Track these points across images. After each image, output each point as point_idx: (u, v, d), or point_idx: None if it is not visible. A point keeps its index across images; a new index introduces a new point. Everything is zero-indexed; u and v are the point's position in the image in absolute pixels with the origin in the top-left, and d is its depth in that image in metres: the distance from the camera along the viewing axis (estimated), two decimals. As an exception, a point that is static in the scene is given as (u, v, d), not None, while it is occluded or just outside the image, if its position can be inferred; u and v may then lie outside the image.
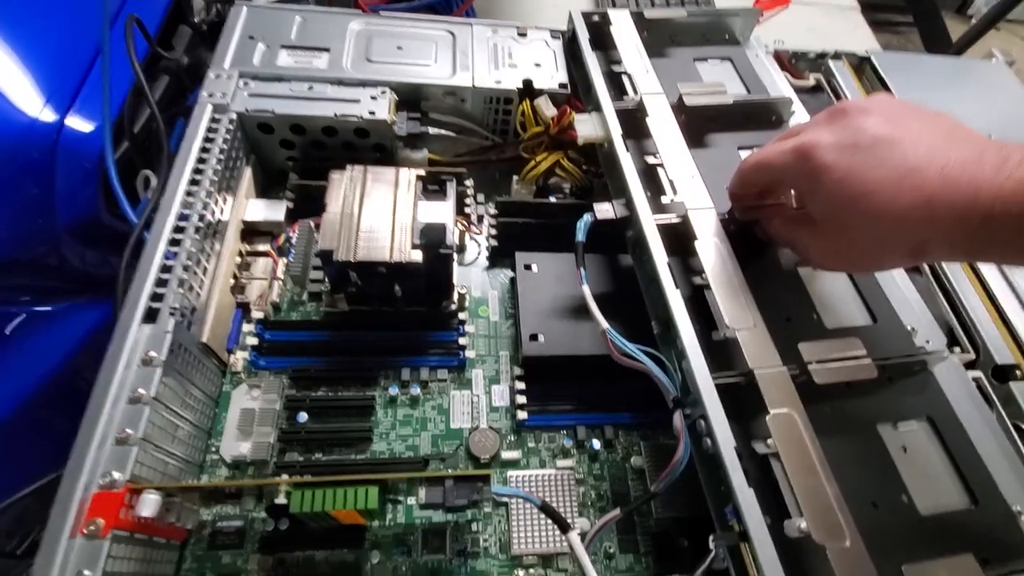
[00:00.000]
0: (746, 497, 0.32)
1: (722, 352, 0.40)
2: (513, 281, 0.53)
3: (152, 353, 0.36)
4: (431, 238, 0.44)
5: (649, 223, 0.43)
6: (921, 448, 0.39)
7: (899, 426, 0.39)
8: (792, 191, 0.40)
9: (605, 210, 0.46)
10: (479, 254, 0.56)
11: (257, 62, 0.52)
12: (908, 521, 0.36)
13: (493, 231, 0.54)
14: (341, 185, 0.45)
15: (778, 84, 0.60)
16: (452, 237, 0.44)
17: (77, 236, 0.59)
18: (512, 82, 0.54)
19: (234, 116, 0.48)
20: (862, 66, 0.65)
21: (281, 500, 0.33)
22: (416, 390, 0.46)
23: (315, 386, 0.46)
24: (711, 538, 0.33)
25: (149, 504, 0.32)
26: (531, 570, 0.41)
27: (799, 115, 0.56)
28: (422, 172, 0.47)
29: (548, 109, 0.52)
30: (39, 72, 0.56)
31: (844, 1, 0.95)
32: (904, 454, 0.38)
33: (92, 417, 0.33)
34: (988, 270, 0.50)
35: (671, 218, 0.44)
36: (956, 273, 0.49)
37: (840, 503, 0.32)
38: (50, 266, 0.60)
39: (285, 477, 0.35)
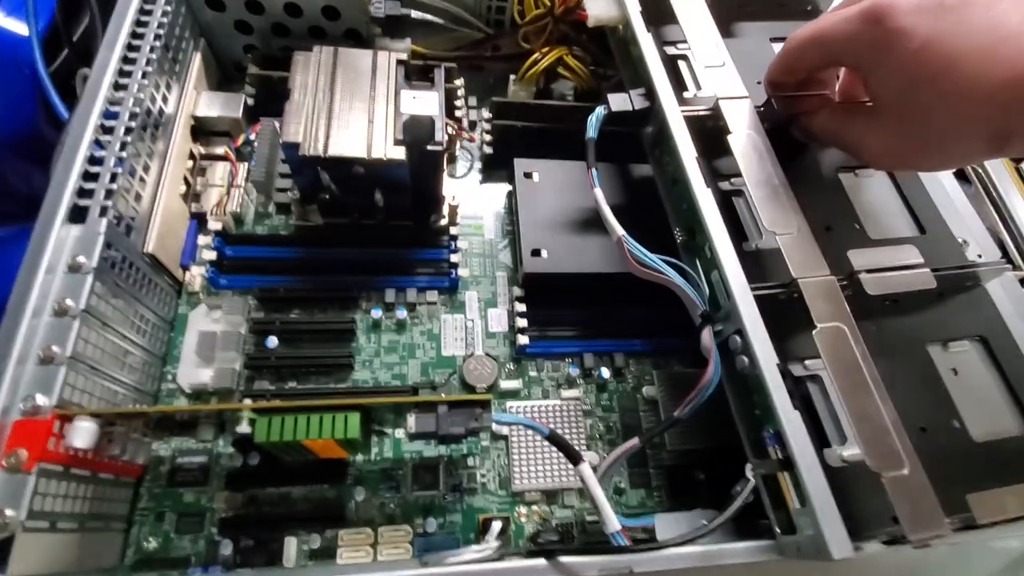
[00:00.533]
0: (791, 419, 0.27)
1: (757, 262, 0.35)
2: (511, 194, 0.47)
3: (80, 258, 0.30)
4: (416, 133, 0.37)
5: (675, 113, 0.37)
6: (973, 370, 0.35)
7: (949, 346, 0.35)
8: (844, 72, 0.34)
9: (621, 101, 0.39)
10: (471, 165, 0.50)
11: (202, -78, 0.43)
12: (961, 447, 0.32)
13: (488, 137, 0.47)
14: (308, 68, 0.38)
15: None
16: (441, 133, 0.37)
17: (17, 151, 0.52)
18: (513, -44, 0.46)
19: (176, -12, 0.40)
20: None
21: (244, 429, 0.28)
22: (403, 313, 0.41)
23: (286, 308, 0.40)
24: (747, 467, 0.29)
25: (82, 433, 0.27)
26: (534, 507, 0.37)
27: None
28: (403, 56, 0.40)
29: None
30: None
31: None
32: (955, 376, 0.34)
33: (8, 331, 0.27)
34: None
35: (699, 109, 0.38)
36: (1005, 184, 0.44)
37: (897, 427, 0.28)
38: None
39: (248, 402, 0.30)
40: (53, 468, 0.27)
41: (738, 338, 0.30)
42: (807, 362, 0.32)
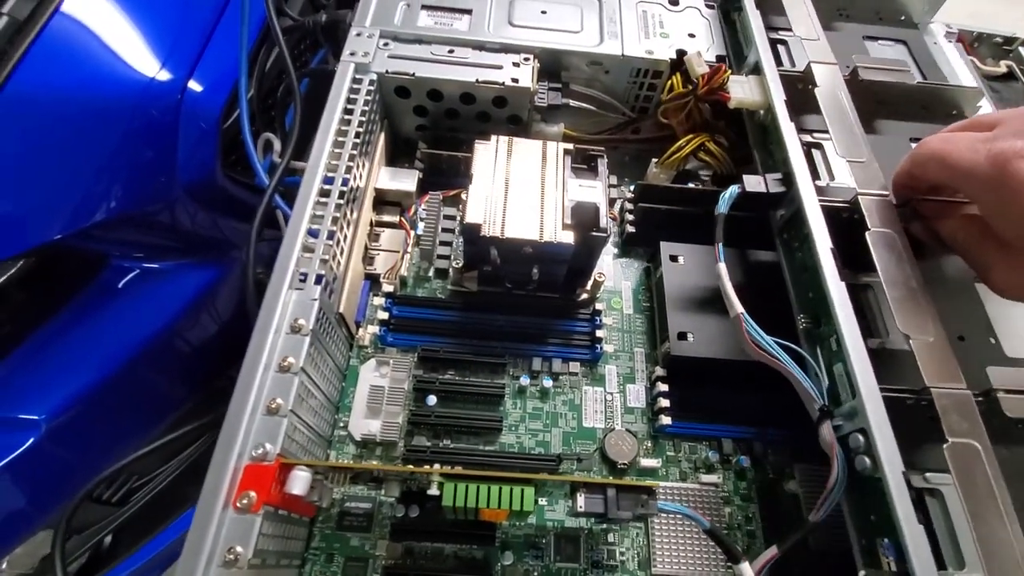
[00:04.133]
0: (914, 533, 0.27)
1: (883, 362, 0.34)
2: (647, 271, 0.49)
3: (300, 321, 0.34)
4: (584, 219, 0.40)
5: (812, 201, 0.38)
6: None
7: None
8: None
9: (755, 183, 0.41)
10: (610, 241, 0.52)
11: (398, 21, 0.49)
12: None
13: (630, 216, 0.50)
14: (487, 156, 0.42)
15: (958, 73, 0.52)
16: (605, 219, 0.40)
17: (192, 196, 0.60)
18: (664, 53, 0.50)
19: (374, 77, 0.46)
20: (1061, 54, 0.56)
21: (434, 491, 0.31)
22: (548, 382, 0.43)
23: (443, 368, 0.43)
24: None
25: (300, 481, 0.30)
26: (674, 592, 0.37)
27: (986, 110, 0.49)
28: (570, 147, 0.44)
29: (700, 66, 0.47)
30: (160, 33, 0.56)
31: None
32: None
33: (246, 383, 0.32)
34: None
35: (837, 201, 0.39)
36: None
37: None
38: (163, 224, 0.60)
39: (438, 467, 0.33)
40: (270, 510, 0.31)
41: (861, 437, 0.30)
42: (928, 475, 0.31)
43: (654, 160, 0.53)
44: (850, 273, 0.38)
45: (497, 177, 0.41)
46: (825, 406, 0.33)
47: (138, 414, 0.64)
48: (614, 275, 0.50)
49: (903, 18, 0.56)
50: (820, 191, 0.40)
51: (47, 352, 0.58)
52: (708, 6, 0.54)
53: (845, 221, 0.39)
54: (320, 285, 0.36)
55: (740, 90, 0.46)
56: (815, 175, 0.42)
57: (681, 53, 0.50)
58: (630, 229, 0.49)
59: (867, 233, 0.37)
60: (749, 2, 0.50)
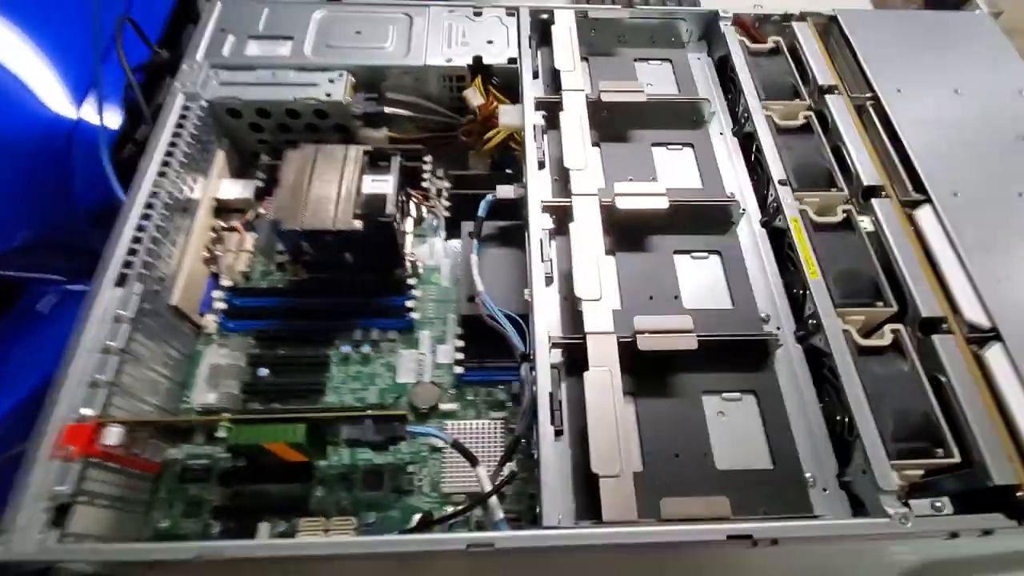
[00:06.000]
0: (546, 432, 0.38)
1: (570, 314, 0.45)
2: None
3: (121, 312, 0.42)
4: (372, 207, 0.48)
5: (535, 204, 0.48)
6: (738, 416, 0.43)
7: (724, 395, 0.43)
8: None
9: (506, 191, 0.49)
10: (438, 226, 0.60)
11: (227, 53, 0.57)
12: (701, 471, 0.40)
13: (447, 203, 0.58)
14: (293, 161, 0.50)
15: (709, 83, 0.62)
16: (392, 206, 0.48)
17: (97, 220, 0.67)
18: (463, 60, 0.57)
19: (204, 104, 0.53)
20: (830, 26, 0.64)
21: (221, 434, 0.38)
22: (367, 348, 0.51)
23: (277, 345, 0.51)
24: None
25: (113, 435, 0.38)
26: (459, 507, 0.45)
27: (720, 116, 0.59)
28: (370, 148, 0.51)
29: (475, 99, 0.56)
30: (52, 72, 0.63)
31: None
32: (719, 419, 0.43)
33: (65, 364, 0.39)
34: (930, 229, 0.49)
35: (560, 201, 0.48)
36: (897, 232, 0.49)
37: (626, 445, 0.37)
38: (78, 249, 0.68)
39: (226, 415, 0.40)
40: (95, 461, 0.38)
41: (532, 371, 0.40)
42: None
43: (471, 152, 0.60)
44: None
45: (302, 179, 0.49)
46: (524, 353, 0.43)
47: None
48: (437, 254, 0.57)
49: (673, 39, 0.64)
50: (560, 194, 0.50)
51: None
52: (509, 14, 0.61)
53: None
54: (142, 284, 0.43)
55: (507, 117, 0.55)
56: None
57: (478, 59, 0.57)
58: (446, 214, 0.57)
59: (571, 224, 0.47)
60: (524, 41, 0.58)
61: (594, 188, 0.49)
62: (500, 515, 0.39)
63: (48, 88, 0.62)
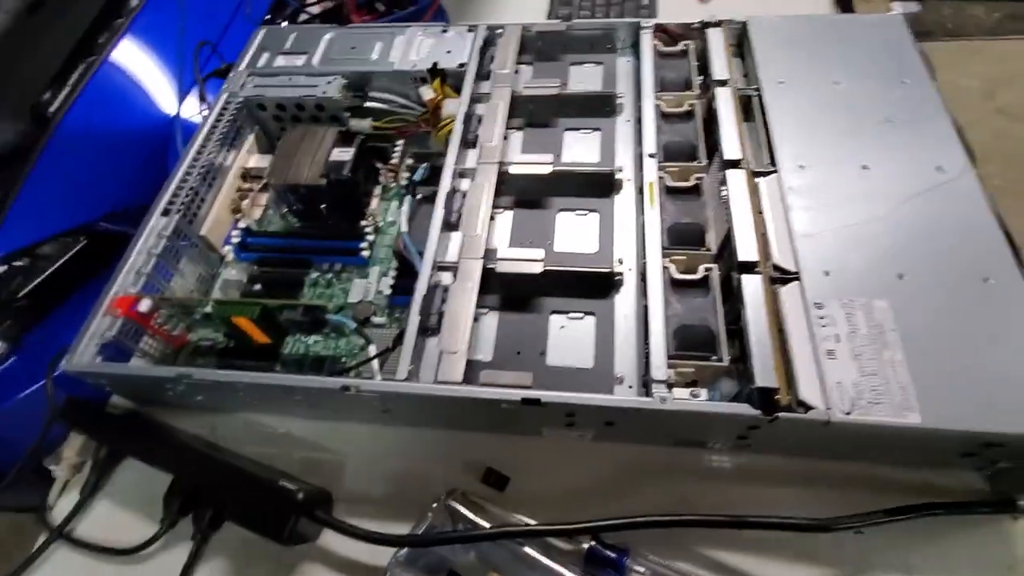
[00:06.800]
0: (412, 326, 0.53)
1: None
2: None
3: (163, 231, 0.63)
4: (333, 169, 0.66)
5: (449, 168, 0.64)
6: (577, 329, 0.56)
7: (570, 315, 0.56)
8: None
9: (439, 161, 0.65)
10: (399, 192, 0.77)
11: (262, 64, 0.78)
12: (534, 365, 0.53)
13: (407, 173, 0.75)
14: (288, 138, 0.70)
15: (628, 79, 0.74)
16: (347, 171, 0.66)
17: None
18: (424, 64, 0.75)
19: (241, 100, 0.75)
20: (744, 32, 0.74)
21: (208, 309, 0.58)
22: (330, 276, 0.69)
23: (270, 271, 0.70)
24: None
25: (144, 304, 0.58)
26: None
27: (629, 107, 0.71)
28: (343, 129, 0.70)
29: (427, 94, 0.72)
30: (166, 83, 0.90)
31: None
32: (560, 330, 0.55)
33: (123, 263, 0.61)
34: (768, 193, 0.58)
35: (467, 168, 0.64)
36: (740, 196, 0.58)
37: (464, 334, 0.51)
38: None
39: (213, 298, 0.59)
40: (131, 323, 0.59)
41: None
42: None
43: (430, 137, 0.77)
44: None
45: (292, 149, 0.68)
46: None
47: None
48: (397, 212, 0.74)
49: (608, 46, 0.77)
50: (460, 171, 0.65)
51: (88, 303, 0.93)
52: (469, 31, 0.78)
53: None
54: (178, 215, 0.64)
55: (450, 107, 0.71)
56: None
57: (435, 64, 0.74)
58: (404, 183, 0.74)
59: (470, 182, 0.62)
60: (474, 52, 0.74)
61: (496, 159, 0.63)
62: (378, 378, 0.54)
63: (155, 94, 0.89)
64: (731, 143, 0.62)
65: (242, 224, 0.73)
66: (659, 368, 0.48)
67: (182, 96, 0.93)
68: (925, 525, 0.48)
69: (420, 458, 0.57)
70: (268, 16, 1.09)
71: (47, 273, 0.89)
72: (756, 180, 0.59)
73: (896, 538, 0.48)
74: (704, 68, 0.70)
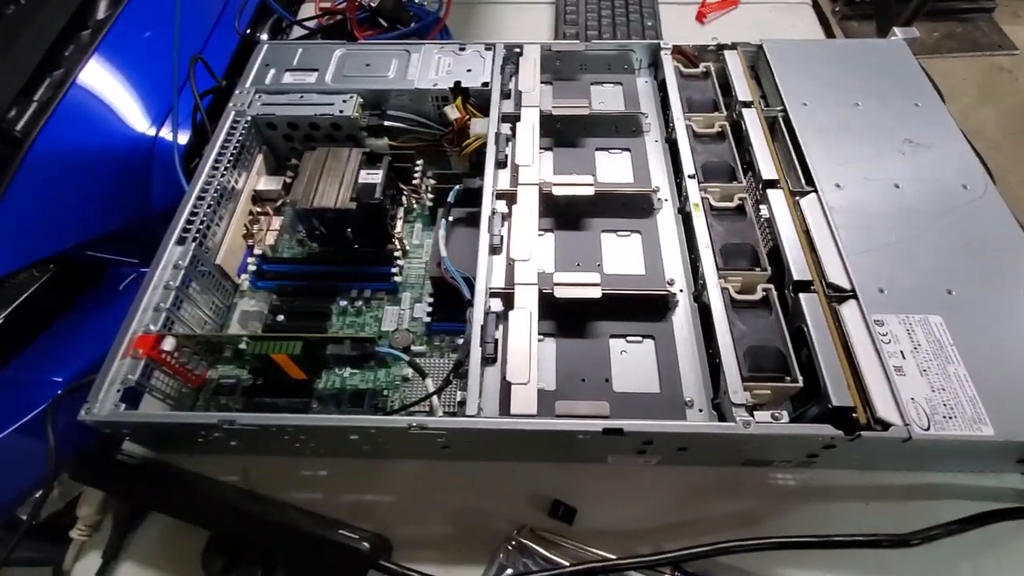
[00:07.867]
0: (475, 358, 0.50)
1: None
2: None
3: (180, 261, 0.58)
4: (364, 193, 0.63)
5: (488, 190, 0.61)
6: (638, 354, 0.55)
7: (628, 339, 0.55)
8: None
9: (472, 182, 0.63)
10: (423, 214, 0.74)
11: (268, 81, 0.74)
12: (602, 392, 0.52)
13: (430, 194, 0.72)
14: (310, 160, 0.66)
15: (652, 103, 0.74)
16: (379, 193, 0.63)
17: (168, 218, 0.85)
18: (446, 83, 0.72)
19: (249, 119, 0.70)
20: (759, 54, 0.76)
21: (243, 346, 0.53)
22: (360, 304, 0.65)
23: (292, 300, 0.66)
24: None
25: (168, 343, 0.53)
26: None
27: (656, 127, 0.72)
28: (368, 151, 0.67)
29: (453, 114, 0.70)
30: (144, 101, 0.83)
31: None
32: (621, 355, 0.55)
33: (140, 295, 0.55)
34: (811, 212, 0.59)
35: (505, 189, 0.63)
36: (783, 215, 0.59)
37: (532, 364, 0.49)
38: (152, 241, 0.86)
39: (246, 333, 0.55)
40: (154, 364, 0.53)
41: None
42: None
43: (452, 157, 0.75)
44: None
45: (316, 172, 0.65)
46: (470, 300, 0.56)
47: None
48: (422, 235, 0.72)
49: (626, 66, 0.78)
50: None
51: (65, 335, 0.84)
52: (487, 49, 0.77)
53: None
54: (194, 244, 0.59)
55: (478, 127, 0.69)
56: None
57: (457, 83, 0.72)
58: (429, 204, 0.72)
59: (514, 206, 0.61)
60: (496, 70, 0.73)
61: (536, 180, 0.62)
62: (440, 413, 0.51)
63: (133, 113, 0.82)
64: (766, 163, 0.63)
65: (257, 251, 0.68)
66: (736, 392, 0.48)
67: (163, 115, 0.86)
68: (983, 531, 0.50)
69: (479, 494, 0.54)
70: (248, 30, 1.04)
71: (13, 306, 0.80)
72: (795, 199, 0.61)
73: (959, 547, 0.49)
74: (725, 89, 0.72)
